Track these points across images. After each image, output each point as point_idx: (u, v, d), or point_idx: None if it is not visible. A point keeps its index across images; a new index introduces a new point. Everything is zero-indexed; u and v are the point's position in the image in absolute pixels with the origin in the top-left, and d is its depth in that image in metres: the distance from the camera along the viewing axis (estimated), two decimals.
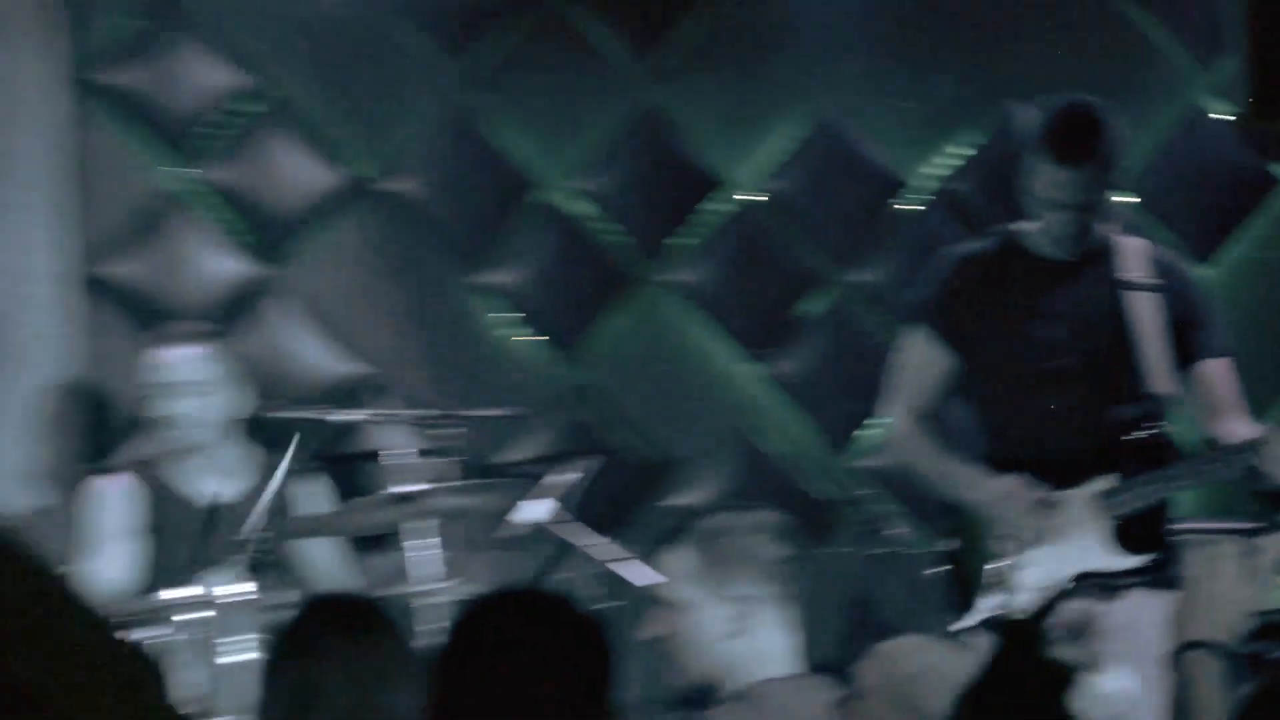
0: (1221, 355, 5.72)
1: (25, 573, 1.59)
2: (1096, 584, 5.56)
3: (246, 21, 7.56)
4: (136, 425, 7.01)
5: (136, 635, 5.54)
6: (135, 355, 6.87)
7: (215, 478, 6.54)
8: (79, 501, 6.61)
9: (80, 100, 7.42)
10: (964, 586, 5.69)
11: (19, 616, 1.57)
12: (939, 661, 4.06)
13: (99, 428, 7.29)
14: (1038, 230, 5.67)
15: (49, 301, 7.33)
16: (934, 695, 3.86)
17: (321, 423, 6.95)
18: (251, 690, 3.86)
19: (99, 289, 7.44)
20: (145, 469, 6.61)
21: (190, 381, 6.54)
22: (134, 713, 1.59)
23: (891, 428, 5.84)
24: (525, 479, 6.74)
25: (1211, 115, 7.94)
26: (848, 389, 7.60)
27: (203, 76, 7.57)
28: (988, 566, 5.65)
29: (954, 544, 5.73)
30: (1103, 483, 5.58)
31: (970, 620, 5.63)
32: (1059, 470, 5.61)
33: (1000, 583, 5.61)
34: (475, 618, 3.17)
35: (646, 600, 4.73)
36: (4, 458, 7.10)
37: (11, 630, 1.56)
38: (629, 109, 7.87)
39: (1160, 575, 5.51)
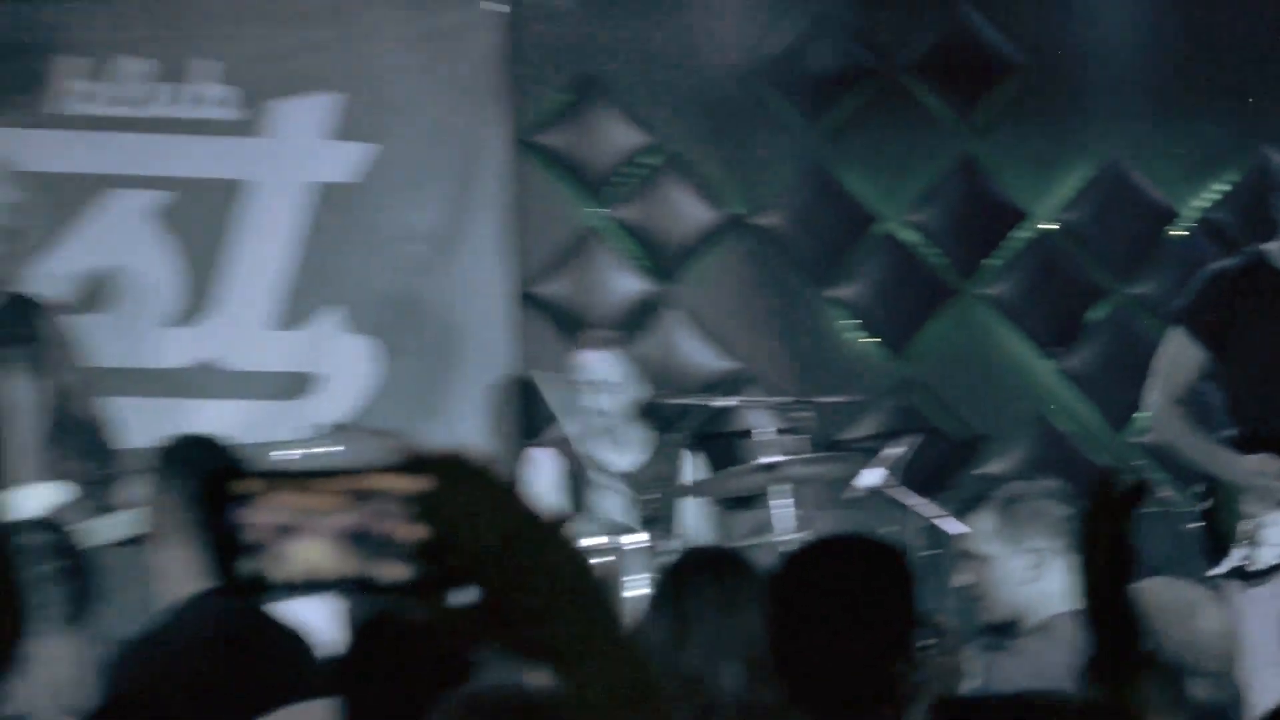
0: None
1: (519, 506, 1.56)
2: None
3: (650, 93, 7.64)
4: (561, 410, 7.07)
5: None
6: (561, 355, 6.98)
7: (620, 451, 6.59)
8: (518, 470, 6.68)
9: (521, 156, 7.51)
10: (1218, 540, 5.57)
11: (515, 547, 1.53)
12: (1184, 599, 3.99)
13: (532, 412, 7.34)
14: None
15: (495, 313, 7.40)
16: (1178, 627, 3.79)
17: (703, 408, 6.99)
18: (643, 619, 3.88)
19: (533, 303, 7.53)
20: (567, 444, 6.67)
21: (603, 376, 6.60)
22: (609, 649, 1.55)
23: (1155, 411, 5.74)
24: (863, 452, 6.70)
25: None
26: (1125, 380, 7.43)
27: (615, 137, 7.65)
28: (1238, 524, 5.52)
29: (1210, 506, 5.61)
30: None
31: (1222, 568, 5.52)
32: None
33: (1248, 538, 5.48)
34: (811, 556, 3.13)
35: (960, 551, 4.70)
36: (463, 435, 7.14)
37: (508, 560, 1.53)
38: (951, 157, 7.82)
39: None
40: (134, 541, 5.18)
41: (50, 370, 5.54)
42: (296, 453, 5.95)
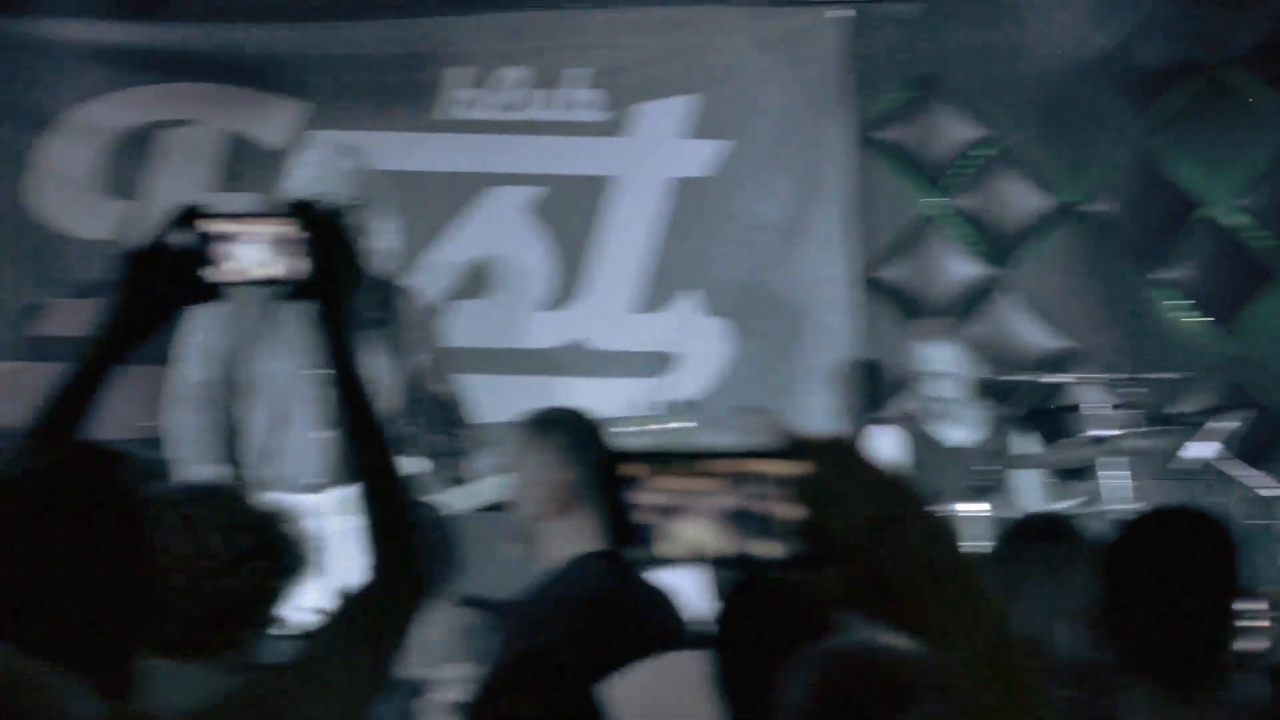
0: None
1: (891, 488, 1.56)
2: None
3: (985, 89, 7.57)
4: (901, 386, 7.03)
5: None
6: (902, 336, 6.96)
7: (958, 426, 6.53)
8: (861, 443, 6.61)
9: (863, 150, 7.51)
10: None
11: (887, 526, 1.54)
12: None
13: (874, 389, 7.26)
14: None
15: (839, 297, 7.41)
16: None
17: (1036, 384, 6.91)
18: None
19: (875, 287, 7.52)
20: (907, 419, 6.63)
21: (941, 355, 6.54)
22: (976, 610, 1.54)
23: None
24: (1193, 426, 6.55)
25: None
26: None
27: (952, 130, 7.60)
28: None
29: None
30: None
31: None
32: None
33: None
34: (1142, 526, 3.05)
35: None
36: (810, 411, 7.13)
37: (879, 538, 1.53)
38: (1276, 145, 7.60)
39: None
40: (490, 509, 5.33)
41: (408, 350, 5.59)
42: (653, 428, 6.00)
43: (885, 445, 6.56)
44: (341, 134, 6.68)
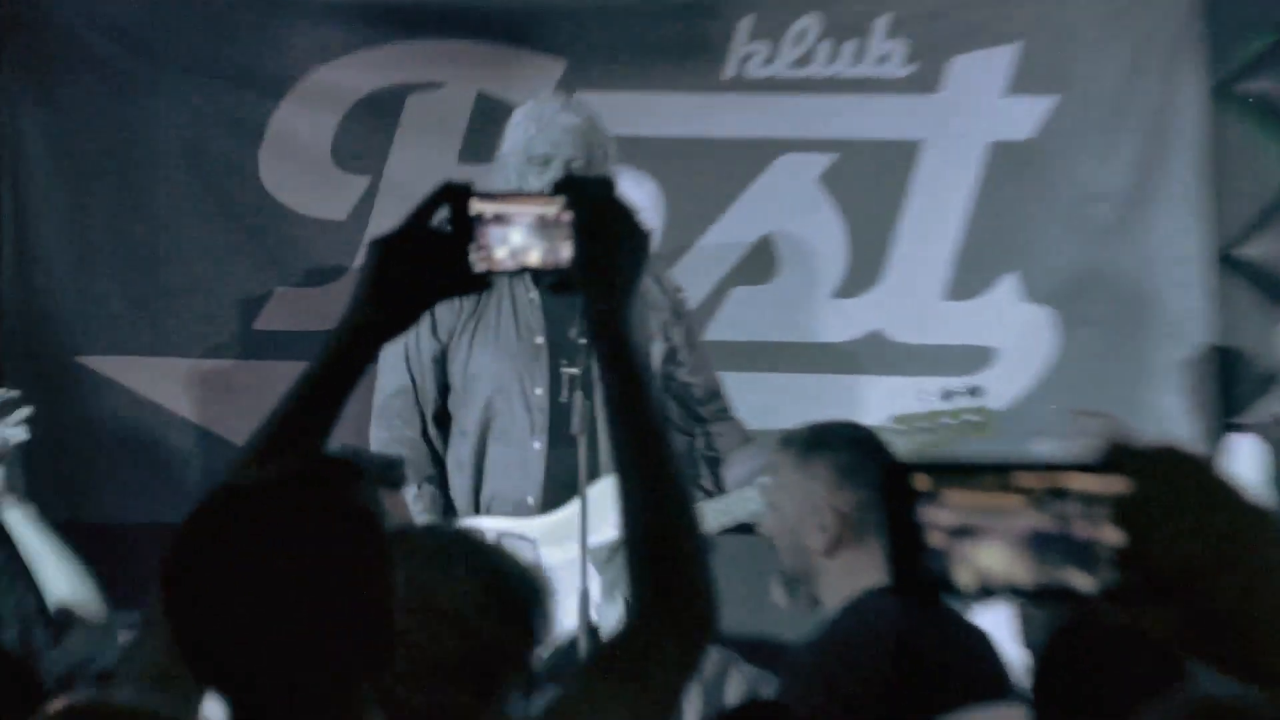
0: None
1: (1238, 508, 1.53)
2: None
3: None
4: (1267, 386, 6.74)
5: None
6: (1266, 325, 6.73)
7: None
8: (1217, 454, 6.37)
9: (1221, 108, 7.21)
10: None
11: (1232, 554, 1.51)
12: None
13: (1232, 387, 7.03)
14: None
15: (1189, 279, 7.14)
16: None
17: None
18: None
19: (1232, 267, 7.18)
20: (1271, 426, 6.37)
21: None
22: None
23: None
24: None
25: None
26: None
27: None
28: None
29: None
30: None
31: None
32: None
33: None
34: None
35: None
36: (1153, 415, 6.94)
37: (1223, 568, 1.50)
38: None
39: None
40: (743, 530, 5.22)
41: (655, 335, 5.57)
42: (934, 424, 5.87)
43: (1245, 457, 6.31)
44: (601, 95, 6.63)
